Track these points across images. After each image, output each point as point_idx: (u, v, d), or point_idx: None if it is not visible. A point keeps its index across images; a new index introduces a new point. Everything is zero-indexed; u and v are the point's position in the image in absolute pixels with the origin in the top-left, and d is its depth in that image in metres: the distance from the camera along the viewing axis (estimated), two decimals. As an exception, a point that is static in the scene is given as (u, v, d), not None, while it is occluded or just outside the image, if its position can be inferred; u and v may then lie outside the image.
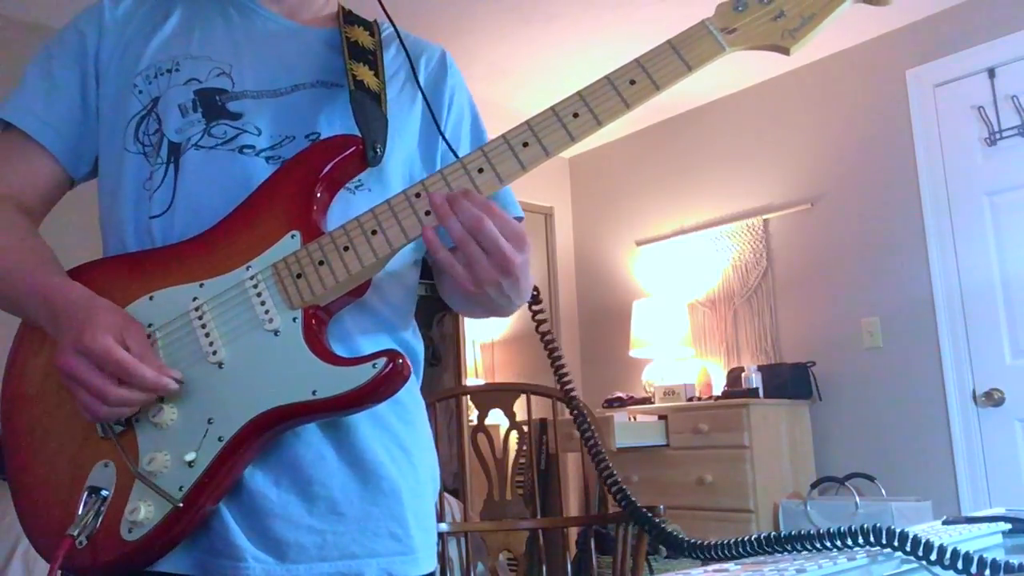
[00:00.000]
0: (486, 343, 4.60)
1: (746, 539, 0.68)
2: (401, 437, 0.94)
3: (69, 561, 0.80)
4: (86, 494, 0.82)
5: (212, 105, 0.94)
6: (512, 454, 2.09)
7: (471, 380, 4.22)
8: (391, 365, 0.80)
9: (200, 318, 0.84)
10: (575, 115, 0.83)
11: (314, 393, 0.80)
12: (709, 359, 4.20)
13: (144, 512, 0.79)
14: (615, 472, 1.13)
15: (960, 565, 0.57)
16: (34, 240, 0.93)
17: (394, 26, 1.07)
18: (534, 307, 1.02)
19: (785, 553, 0.65)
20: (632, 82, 0.83)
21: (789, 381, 3.68)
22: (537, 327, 1.14)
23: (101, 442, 0.84)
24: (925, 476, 3.43)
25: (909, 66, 3.64)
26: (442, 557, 1.85)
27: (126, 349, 0.79)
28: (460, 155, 0.95)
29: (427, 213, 0.82)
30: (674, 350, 4.13)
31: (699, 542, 0.75)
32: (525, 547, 2.01)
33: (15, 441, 0.88)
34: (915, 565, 0.60)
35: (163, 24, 1.00)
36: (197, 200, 0.90)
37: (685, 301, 4.27)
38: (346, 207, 0.90)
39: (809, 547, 0.64)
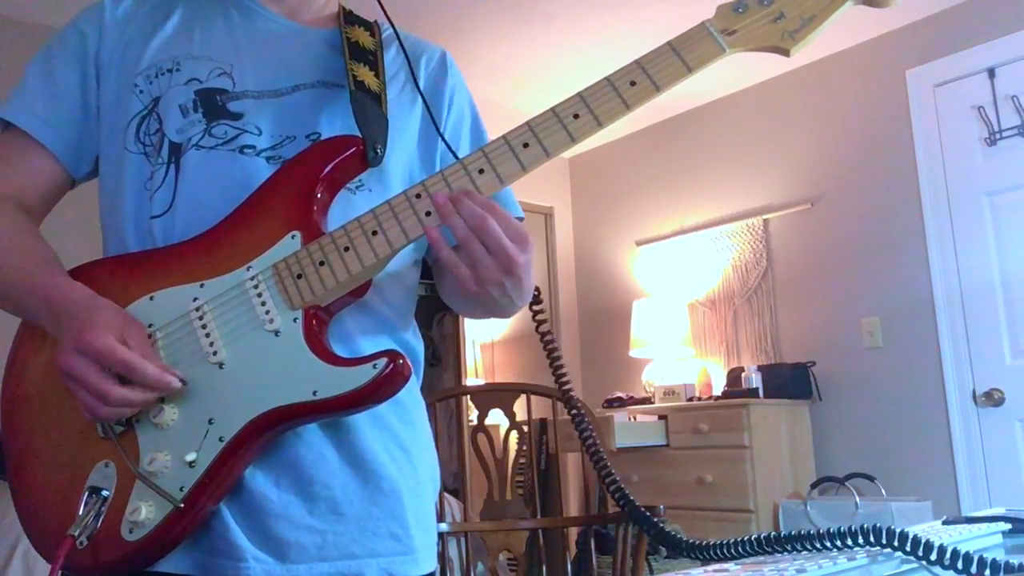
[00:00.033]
0: (486, 343, 4.61)
1: (746, 539, 0.68)
2: (401, 437, 0.94)
3: (70, 561, 0.80)
4: (87, 494, 0.82)
5: (213, 105, 0.94)
6: (512, 454, 2.09)
7: (471, 380, 4.22)
8: (392, 366, 0.80)
9: (201, 318, 0.84)
10: (575, 116, 0.83)
11: (315, 393, 0.80)
12: (709, 359, 4.20)
13: (145, 512, 0.80)
14: (613, 471, 1.13)
15: (960, 565, 0.57)
16: (35, 240, 0.93)
17: (394, 27, 1.07)
18: (534, 307, 1.02)
19: (785, 553, 0.65)
20: (632, 83, 0.83)
21: (789, 381, 3.68)
22: (537, 327, 1.14)
23: (101, 442, 0.84)
24: (925, 476, 3.43)
25: (909, 66, 3.64)
26: (442, 557, 1.85)
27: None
28: (460, 156, 0.96)
29: (428, 214, 0.82)
30: (674, 350, 4.13)
31: (699, 542, 0.75)
32: (525, 547, 2.01)
33: (15, 441, 0.88)
34: (915, 565, 0.60)
35: (164, 24, 1.00)
36: (198, 200, 0.90)
37: (685, 301, 4.27)
38: (346, 207, 0.90)
39: (809, 547, 0.64)
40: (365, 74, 0.97)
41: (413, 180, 1.00)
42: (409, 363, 0.82)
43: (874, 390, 3.62)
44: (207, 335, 0.83)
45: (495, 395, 2.06)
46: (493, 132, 0.99)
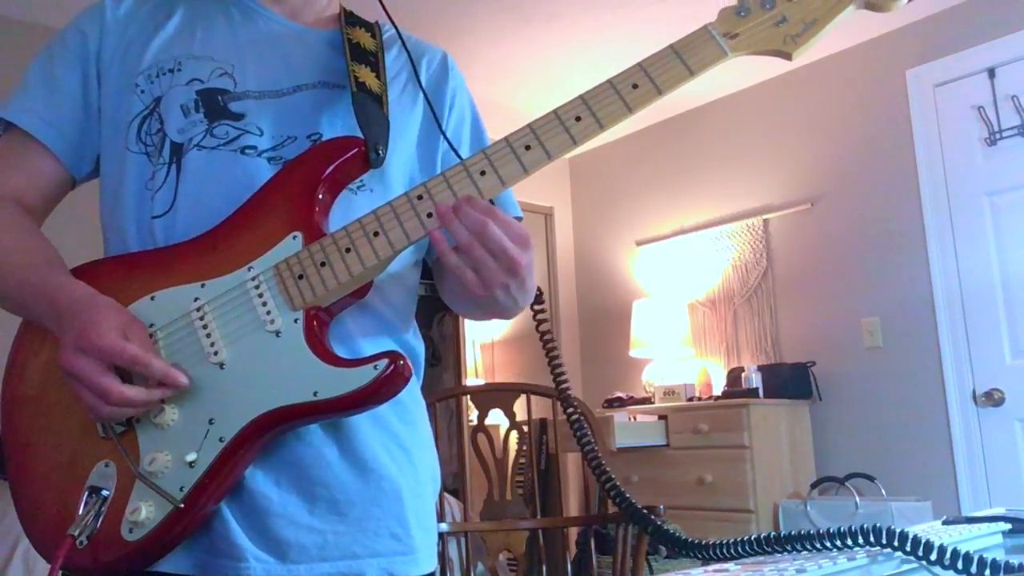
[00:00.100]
0: (486, 343, 4.61)
1: (746, 539, 0.68)
2: (402, 437, 0.94)
3: (69, 561, 0.80)
4: (87, 494, 0.82)
5: (214, 105, 0.94)
6: (512, 454, 2.09)
7: (471, 380, 4.22)
8: (392, 367, 0.80)
9: (201, 319, 0.84)
10: (577, 118, 0.83)
11: (315, 394, 0.80)
12: (709, 359, 4.20)
13: (145, 512, 0.80)
14: (608, 469, 1.13)
15: (960, 565, 0.57)
16: (37, 239, 0.93)
17: (396, 27, 1.07)
18: (536, 307, 1.02)
19: (785, 553, 0.65)
20: (635, 86, 0.83)
21: (789, 381, 3.68)
22: (537, 326, 1.14)
23: (102, 442, 0.84)
24: (925, 476, 3.44)
25: (909, 66, 3.64)
26: (442, 557, 1.85)
27: None
28: (461, 157, 0.96)
29: (429, 215, 0.83)
30: (674, 350, 4.13)
31: (699, 542, 0.75)
32: (525, 547, 2.01)
33: (15, 441, 0.88)
34: (915, 565, 0.60)
35: (165, 24, 1.00)
36: (199, 200, 0.90)
37: (685, 301, 4.27)
38: (347, 208, 0.90)
39: (809, 547, 0.64)
40: (366, 75, 0.97)
41: (414, 181, 1.00)
42: (410, 364, 0.82)
43: (874, 390, 3.62)
44: (208, 335, 0.83)
45: (495, 395, 2.06)
46: (493, 132, 0.99)
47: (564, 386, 1.22)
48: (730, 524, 3.41)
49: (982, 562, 0.56)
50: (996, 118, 3.40)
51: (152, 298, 0.86)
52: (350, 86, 0.95)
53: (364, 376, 0.80)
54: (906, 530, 0.61)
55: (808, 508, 3.37)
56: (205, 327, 0.84)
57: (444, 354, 4.22)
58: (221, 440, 0.81)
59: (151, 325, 0.85)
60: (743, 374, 3.75)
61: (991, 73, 3.42)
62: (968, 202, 3.46)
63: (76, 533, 0.79)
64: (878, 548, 0.61)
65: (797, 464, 3.63)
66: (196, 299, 0.85)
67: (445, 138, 1.01)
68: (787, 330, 3.95)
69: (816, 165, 3.93)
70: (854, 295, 3.73)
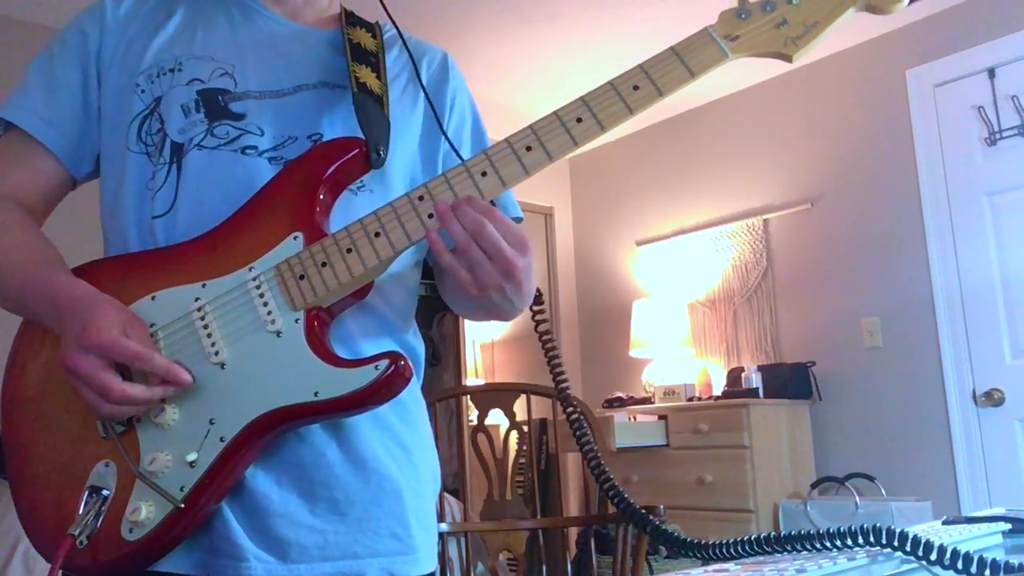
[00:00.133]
0: (486, 343, 4.61)
1: (746, 539, 0.68)
2: (402, 437, 0.94)
3: (70, 561, 0.80)
4: (87, 494, 0.82)
5: (215, 105, 0.94)
6: (512, 454, 2.09)
7: (471, 380, 4.22)
8: (393, 367, 0.80)
9: (202, 319, 0.84)
10: (579, 120, 0.83)
11: (316, 394, 0.80)
12: (709, 359, 4.20)
13: (145, 512, 0.80)
14: (607, 470, 1.13)
15: (960, 565, 0.57)
16: (38, 239, 0.93)
17: (396, 27, 1.07)
18: (535, 307, 1.02)
19: (785, 553, 0.65)
20: (636, 87, 0.83)
21: (789, 381, 3.68)
22: (536, 327, 1.14)
23: (102, 442, 0.84)
24: (925, 476, 3.44)
25: (909, 66, 3.64)
26: (442, 557, 1.85)
27: None
28: (461, 157, 0.96)
29: (430, 216, 0.83)
30: (674, 350, 4.13)
31: (698, 541, 0.76)
32: (525, 547, 2.01)
33: (15, 441, 0.88)
34: (915, 565, 0.60)
35: (166, 23, 1.00)
36: (200, 200, 0.90)
37: (685, 301, 4.27)
38: (348, 208, 0.90)
39: (809, 547, 0.64)
40: (367, 76, 0.97)
41: (415, 182, 1.00)
42: (411, 364, 0.82)
43: (874, 390, 3.62)
44: (208, 335, 0.83)
45: (495, 395, 2.06)
46: (493, 132, 0.99)
47: (563, 386, 1.22)
48: (730, 524, 3.41)
49: (982, 562, 0.56)
50: (996, 118, 3.40)
51: (153, 298, 0.86)
52: (351, 86, 0.95)
53: (365, 376, 0.80)
54: (906, 530, 0.61)
55: (808, 508, 3.37)
56: (206, 327, 0.84)
57: (444, 354, 4.22)
58: (222, 440, 0.81)
59: (152, 325, 0.85)
60: (743, 374, 3.76)
61: (991, 73, 3.42)
62: (968, 202, 3.46)
63: (76, 533, 0.79)
64: (878, 548, 0.61)
65: (797, 464, 3.63)
66: (197, 299, 0.85)
67: (446, 138, 1.01)
68: (787, 330, 3.95)
69: (816, 165, 3.93)
70: (854, 295, 3.73)
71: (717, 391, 3.90)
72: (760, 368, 3.74)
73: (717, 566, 0.60)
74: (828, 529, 0.64)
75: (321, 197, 0.87)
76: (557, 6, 3.48)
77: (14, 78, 1.01)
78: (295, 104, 0.95)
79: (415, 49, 1.07)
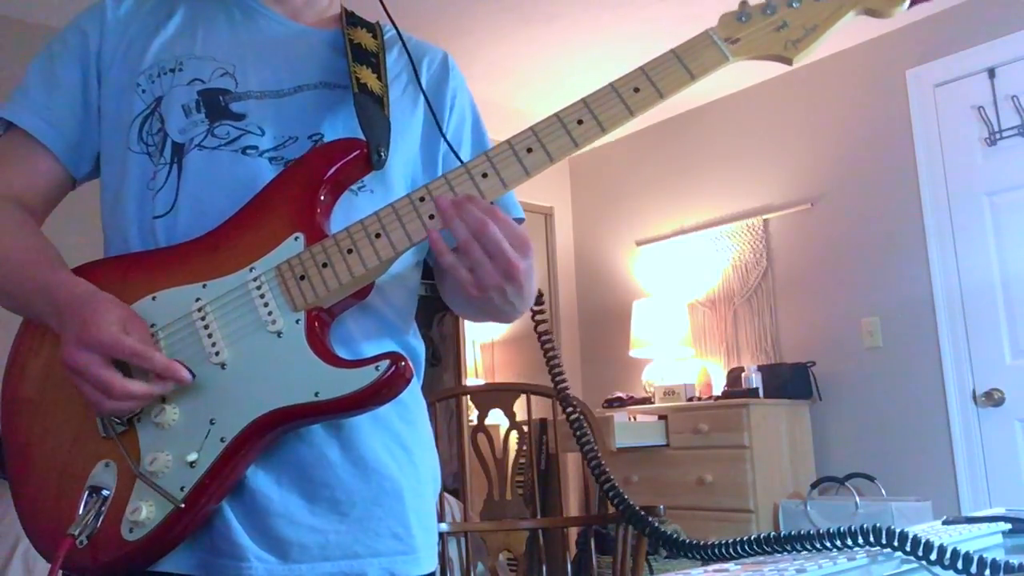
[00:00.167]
0: (486, 343, 4.61)
1: (746, 539, 0.68)
2: (403, 437, 0.94)
3: (70, 561, 0.80)
4: (87, 494, 0.82)
5: (215, 105, 0.94)
6: (512, 454, 2.09)
7: (471, 380, 4.22)
8: (394, 368, 0.80)
9: (203, 319, 0.84)
10: (580, 121, 0.83)
11: (317, 395, 0.80)
12: (709, 359, 4.20)
13: (145, 512, 0.80)
14: (607, 470, 1.13)
15: (960, 565, 0.57)
16: (38, 238, 0.93)
17: (396, 28, 1.07)
18: (535, 308, 1.02)
19: (785, 553, 0.66)
20: (636, 89, 0.83)
21: (789, 381, 3.68)
22: (536, 327, 1.14)
23: (102, 442, 0.84)
24: (925, 476, 3.44)
25: (909, 66, 3.64)
26: (442, 557, 1.85)
27: None
28: (461, 158, 0.96)
29: (431, 217, 0.83)
30: (674, 350, 4.13)
31: (697, 542, 0.76)
32: (525, 547, 2.01)
33: (15, 441, 0.88)
34: (915, 565, 0.60)
35: (166, 23, 1.00)
36: (200, 201, 0.90)
37: (685, 301, 4.27)
38: (348, 209, 0.90)
39: (809, 547, 0.64)
40: (367, 76, 0.97)
41: (415, 182, 1.00)
42: (411, 365, 0.82)
43: (874, 390, 3.62)
44: (209, 335, 0.84)
45: (495, 395, 2.06)
46: (493, 132, 0.99)
47: (563, 387, 1.22)
48: (730, 524, 3.41)
49: (982, 562, 0.56)
50: (996, 118, 3.40)
51: (153, 298, 0.86)
52: (352, 87, 0.95)
53: (365, 377, 0.80)
54: (906, 530, 0.61)
55: (808, 508, 3.37)
56: (206, 327, 0.84)
57: (444, 354, 4.22)
58: (222, 440, 0.81)
59: (152, 325, 0.85)
60: (743, 374, 3.76)
61: (991, 73, 3.42)
62: (968, 202, 3.46)
63: (76, 533, 0.79)
64: (878, 548, 0.61)
65: (797, 464, 3.63)
66: (197, 299, 0.85)
67: (445, 140, 1.01)
68: (787, 330, 3.95)
69: (816, 165, 3.93)
70: (854, 295, 3.73)
71: (717, 391, 3.90)
72: (760, 368, 3.74)
73: (717, 566, 0.60)
74: (828, 529, 0.64)
75: (322, 198, 0.87)
76: (557, 6, 3.48)
77: (14, 78, 1.01)
78: (296, 104, 0.95)
79: (415, 49, 1.07)
